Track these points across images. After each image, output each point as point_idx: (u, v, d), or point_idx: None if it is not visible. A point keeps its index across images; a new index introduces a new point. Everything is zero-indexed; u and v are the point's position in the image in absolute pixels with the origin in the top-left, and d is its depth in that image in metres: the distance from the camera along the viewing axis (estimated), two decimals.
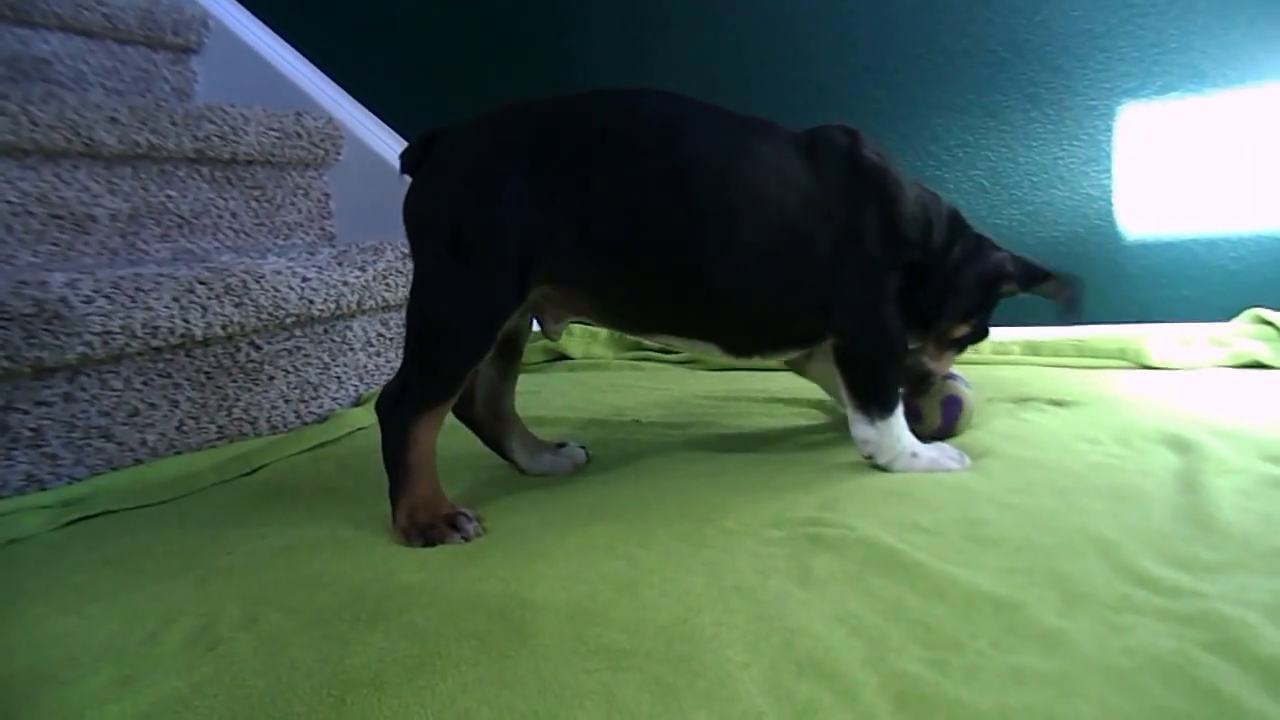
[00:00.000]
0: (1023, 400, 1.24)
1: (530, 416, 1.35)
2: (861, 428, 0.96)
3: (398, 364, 1.60)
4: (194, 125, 1.61)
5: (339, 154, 1.94)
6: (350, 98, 1.97)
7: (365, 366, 1.54)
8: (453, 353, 0.88)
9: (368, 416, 1.40)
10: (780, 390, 1.38)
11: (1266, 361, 1.32)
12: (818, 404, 1.28)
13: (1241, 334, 1.37)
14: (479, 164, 0.89)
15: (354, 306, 1.46)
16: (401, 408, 0.89)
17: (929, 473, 0.94)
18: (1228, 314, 1.42)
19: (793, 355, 1.05)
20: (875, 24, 1.60)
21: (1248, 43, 1.41)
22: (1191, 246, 1.43)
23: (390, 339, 1.60)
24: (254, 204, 1.80)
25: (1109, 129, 1.46)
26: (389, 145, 1.94)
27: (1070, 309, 1.00)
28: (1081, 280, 1.00)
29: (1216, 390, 1.24)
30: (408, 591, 0.74)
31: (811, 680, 0.56)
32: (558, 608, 0.69)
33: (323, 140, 1.90)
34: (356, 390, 1.51)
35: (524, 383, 1.60)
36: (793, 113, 1.44)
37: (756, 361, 1.02)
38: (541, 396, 1.52)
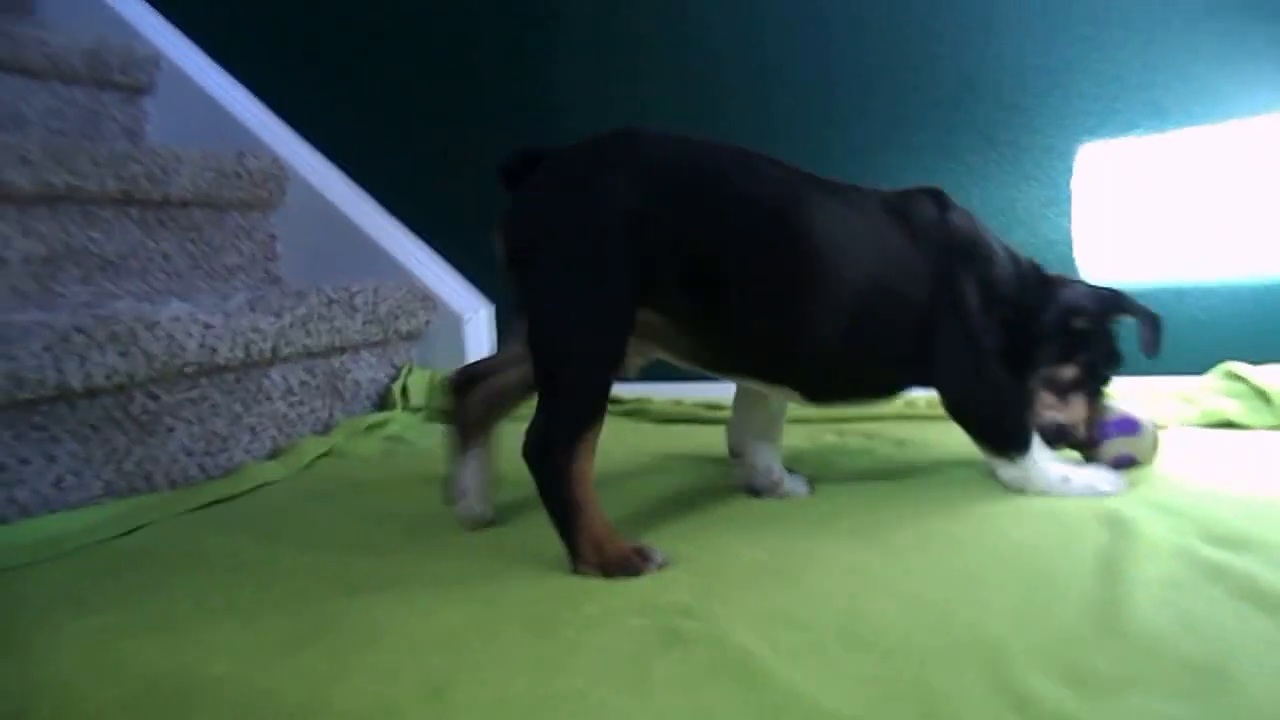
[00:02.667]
0: (960, 463, 1.13)
1: (431, 472, 1.28)
2: (1006, 471, 1.01)
3: (322, 413, 1.55)
4: (118, 166, 1.56)
5: (285, 195, 1.89)
6: (300, 138, 1.92)
7: (285, 416, 1.47)
8: (591, 373, 0.86)
9: (280, 470, 1.33)
10: (711, 439, 1.29)
11: (1238, 420, 1.22)
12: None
13: (1212, 390, 1.26)
14: (597, 186, 0.89)
15: (268, 355, 1.39)
16: (555, 444, 0.84)
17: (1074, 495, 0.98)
18: (1199, 368, 1.31)
19: (870, 403, 1.11)
20: (824, 62, 1.53)
21: (1212, 78, 1.32)
22: (1158, 295, 1.32)
23: (315, 387, 1.53)
24: (190, 246, 1.75)
25: (1068, 169, 1.37)
26: (338, 187, 1.88)
27: (1143, 347, 1.01)
28: (1159, 318, 1.00)
29: (1179, 452, 1.13)
30: (205, 686, 0.66)
31: None
32: (353, 716, 0.60)
33: (266, 181, 1.84)
34: (273, 442, 1.44)
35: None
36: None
37: (832, 407, 1.10)
38: None
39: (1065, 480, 0.99)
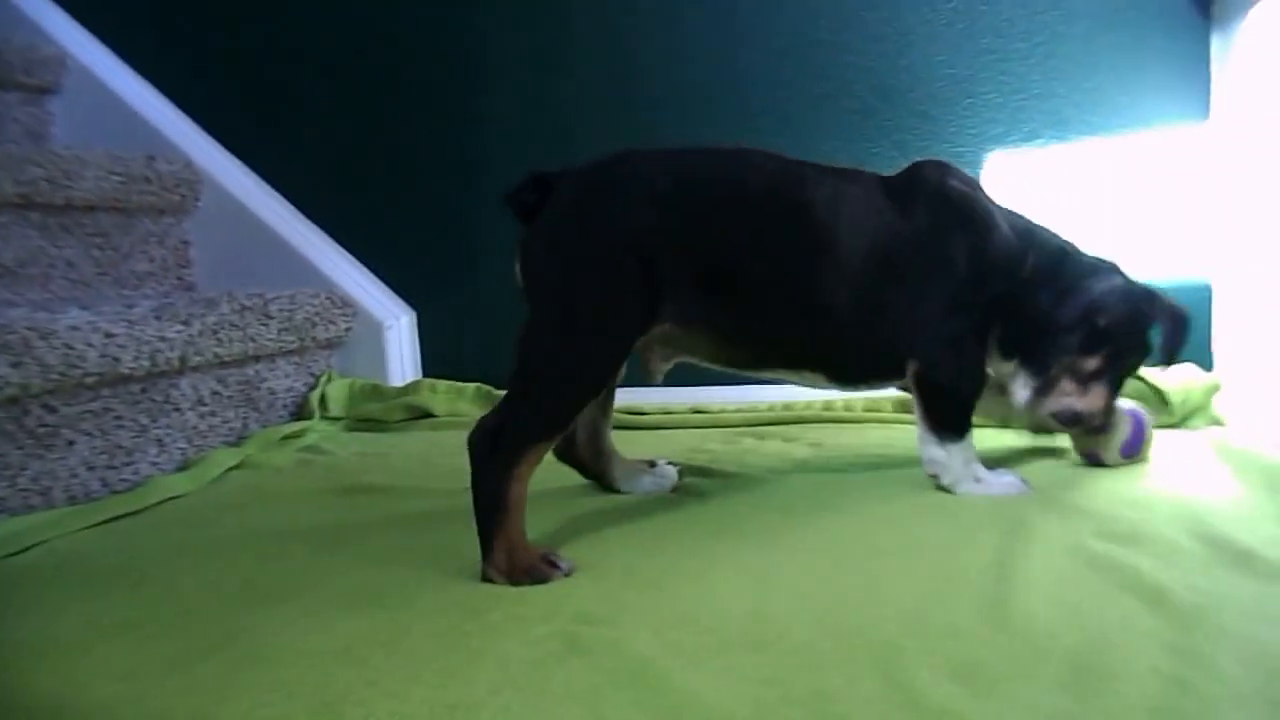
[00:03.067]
0: (877, 467, 1.15)
1: (358, 483, 1.25)
2: (931, 449, 1.01)
3: (235, 424, 1.51)
4: (16, 169, 1.50)
5: (198, 200, 1.83)
6: (215, 142, 1.86)
7: (196, 428, 1.42)
8: (571, 391, 0.89)
9: (188, 483, 1.28)
10: (632, 441, 1.29)
11: None
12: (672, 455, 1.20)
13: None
14: (611, 210, 0.92)
15: (176, 364, 1.35)
16: (505, 444, 0.86)
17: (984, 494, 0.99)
18: None
19: (896, 383, 1.07)
20: (744, 79, 1.55)
21: (1110, 89, 1.37)
22: None
23: (228, 397, 1.49)
24: (96, 253, 1.69)
25: (976, 176, 1.41)
26: (255, 193, 1.83)
27: (1162, 356, 1.01)
28: (1184, 326, 0.99)
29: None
30: (90, 710, 0.63)
31: None
32: None
33: (178, 186, 1.79)
34: (183, 454, 1.39)
35: (375, 443, 1.52)
36: None
37: (863, 389, 1.09)
38: (385, 459, 1.41)
39: (977, 480, 1.00)
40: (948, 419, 1.00)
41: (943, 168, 1.04)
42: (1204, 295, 1.37)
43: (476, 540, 0.85)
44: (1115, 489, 1.00)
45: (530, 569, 0.83)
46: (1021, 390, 1.04)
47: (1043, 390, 1.02)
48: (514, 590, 0.81)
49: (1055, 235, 1.06)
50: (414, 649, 0.70)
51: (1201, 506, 0.92)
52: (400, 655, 0.69)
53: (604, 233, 0.90)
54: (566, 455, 1.08)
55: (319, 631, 0.74)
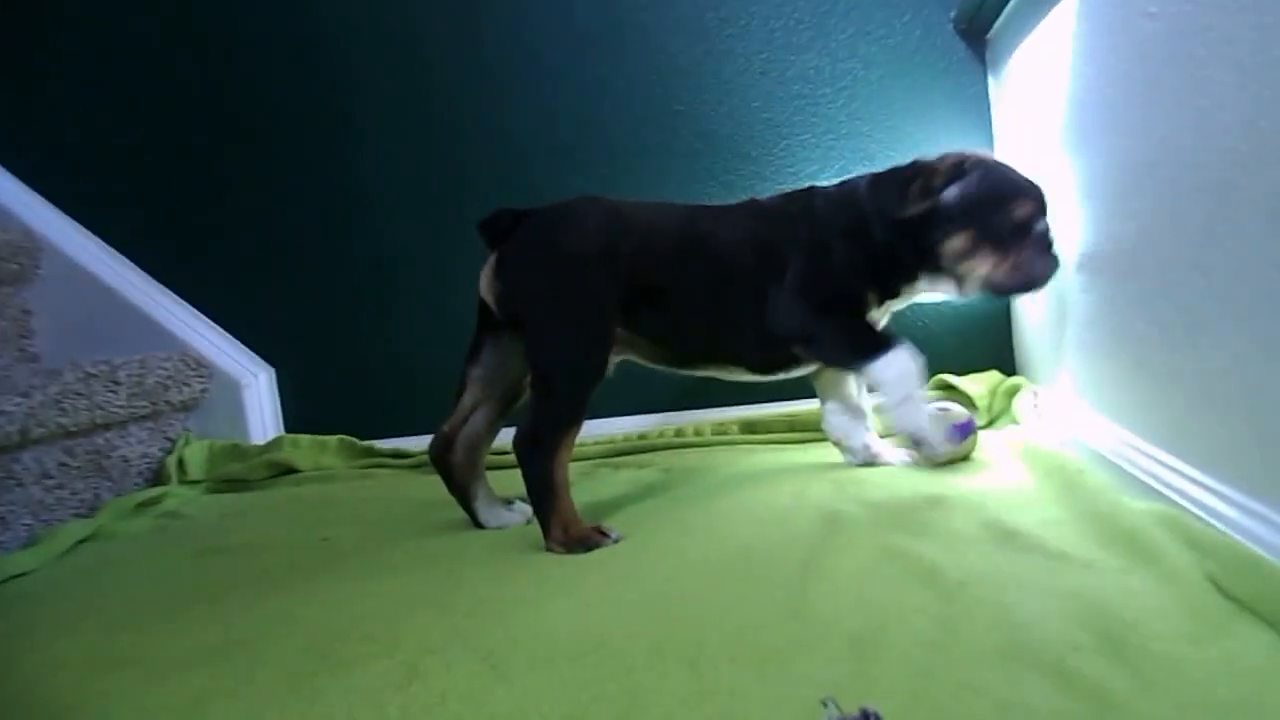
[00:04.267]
0: (721, 485, 1.24)
1: (213, 544, 1.25)
2: (870, 373, 1.11)
3: (86, 495, 1.47)
4: None
5: (38, 268, 1.79)
6: (54, 209, 1.82)
7: (42, 502, 1.39)
8: (580, 385, 1.08)
9: (34, 559, 1.25)
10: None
11: None
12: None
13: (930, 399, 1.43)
14: (577, 242, 1.11)
15: (16, 437, 1.32)
16: (544, 437, 1.05)
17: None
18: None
19: (807, 370, 1.23)
20: (582, 121, 1.63)
21: (907, 126, 1.52)
22: None
23: (76, 468, 1.46)
24: None
25: None
26: (99, 258, 1.80)
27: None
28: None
29: (895, 455, 1.28)
30: None
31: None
32: None
33: (16, 254, 1.75)
34: (28, 529, 1.36)
35: (236, 503, 1.51)
36: (507, 204, 1.45)
37: (780, 375, 1.22)
38: (245, 518, 1.41)
39: (908, 399, 1.09)
40: (848, 349, 1.13)
41: (812, 190, 1.23)
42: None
43: (325, 587, 0.88)
44: (920, 489, 1.11)
45: (584, 538, 1.01)
46: (974, 282, 1.13)
47: (996, 267, 1.11)
48: (360, 630, 0.84)
49: (822, 188, 1.22)
50: (259, 694, 0.72)
51: (991, 498, 1.03)
52: (245, 701, 0.71)
53: (573, 252, 1.10)
54: (440, 461, 1.17)
55: (166, 691, 0.75)
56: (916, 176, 1.11)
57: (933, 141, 1.52)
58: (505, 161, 1.66)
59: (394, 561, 1.06)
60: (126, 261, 1.80)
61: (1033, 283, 1.10)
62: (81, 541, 1.34)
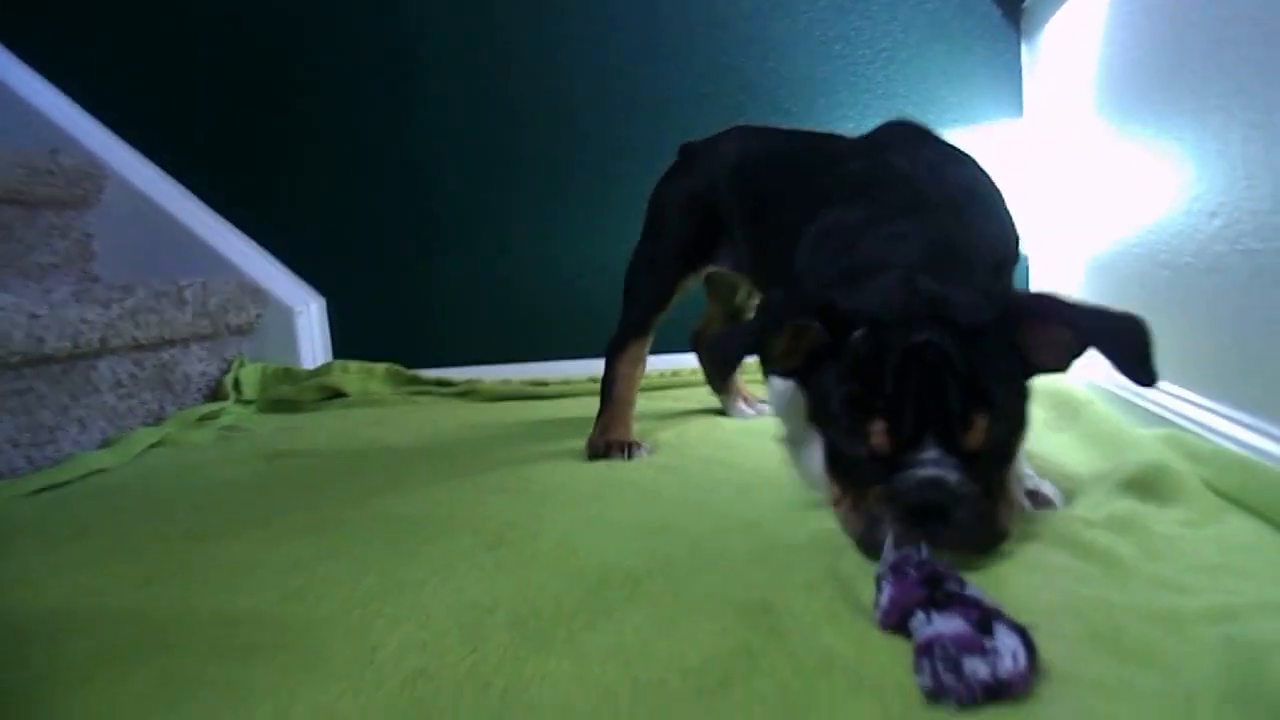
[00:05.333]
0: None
1: (281, 449, 1.35)
2: None
3: (152, 405, 1.57)
4: None
5: (101, 193, 1.87)
6: (117, 137, 1.90)
7: (114, 408, 1.48)
8: (636, 304, 1.21)
9: (111, 458, 1.35)
10: (536, 411, 1.43)
11: None
12: (571, 421, 1.34)
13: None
14: (690, 172, 1.20)
15: (96, 345, 1.41)
16: (611, 346, 1.21)
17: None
18: None
19: None
20: (631, 70, 1.71)
21: (941, 89, 1.60)
22: None
23: (145, 379, 1.55)
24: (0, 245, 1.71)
25: None
26: (160, 185, 1.88)
27: None
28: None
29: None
30: (84, 621, 0.73)
31: (427, 655, 0.59)
32: (218, 618, 0.69)
33: (81, 179, 1.83)
34: (103, 433, 1.45)
35: (290, 421, 1.61)
36: (556, 147, 1.54)
37: None
38: (302, 432, 1.50)
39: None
40: None
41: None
42: (1023, 268, 1.61)
43: (399, 481, 0.98)
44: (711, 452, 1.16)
45: (619, 445, 1.12)
46: None
47: None
48: (442, 512, 0.93)
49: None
50: (359, 557, 0.82)
51: None
52: (347, 561, 0.81)
53: (679, 189, 1.20)
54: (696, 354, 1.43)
55: (269, 552, 0.85)
56: (765, 329, 0.74)
57: (963, 106, 1.59)
58: (556, 105, 1.74)
59: (458, 466, 1.16)
60: (186, 191, 1.89)
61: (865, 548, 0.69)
62: (152, 446, 1.44)
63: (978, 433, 0.64)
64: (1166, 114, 1.01)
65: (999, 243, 0.85)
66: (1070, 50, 1.36)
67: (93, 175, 1.85)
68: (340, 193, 1.85)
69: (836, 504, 0.72)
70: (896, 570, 0.58)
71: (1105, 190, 1.23)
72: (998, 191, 0.90)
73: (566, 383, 1.69)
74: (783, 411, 0.85)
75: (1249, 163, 0.82)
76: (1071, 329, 0.66)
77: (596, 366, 1.68)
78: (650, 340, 1.21)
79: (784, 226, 0.92)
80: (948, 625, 0.49)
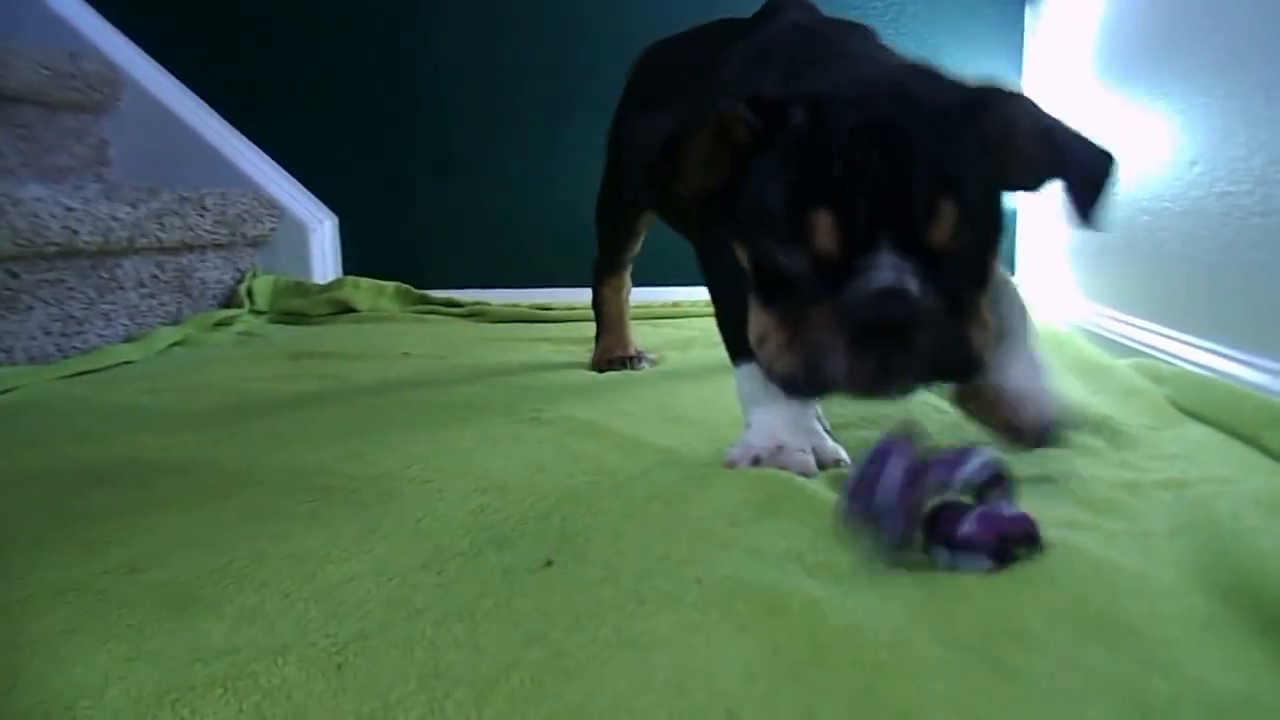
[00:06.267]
0: None
1: (303, 350, 1.42)
2: None
3: (171, 307, 1.62)
4: None
5: (119, 99, 1.90)
6: (136, 47, 1.92)
7: (137, 307, 1.54)
8: (602, 243, 1.23)
9: (137, 352, 1.41)
10: (544, 332, 1.51)
11: None
12: (579, 340, 1.41)
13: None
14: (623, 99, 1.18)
15: (124, 243, 1.46)
16: (594, 274, 1.24)
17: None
18: None
19: None
20: (644, 16, 1.76)
21: (948, 47, 1.67)
22: None
23: (165, 281, 1.60)
24: (20, 144, 1.74)
25: None
26: (177, 96, 1.91)
27: None
28: None
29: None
30: (161, 467, 0.80)
31: (489, 495, 0.67)
32: (287, 469, 0.77)
33: (101, 84, 1.85)
34: (126, 329, 1.51)
35: (303, 331, 1.67)
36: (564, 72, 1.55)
37: None
38: (320, 339, 1.57)
39: None
40: None
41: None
42: (1010, 218, 1.70)
43: (423, 379, 1.09)
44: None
45: (621, 360, 1.19)
46: None
47: None
48: (473, 402, 1.01)
49: None
50: (403, 424, 0.90)
51: None
52: (394, 431, 0.89)
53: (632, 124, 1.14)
54: None
55: (316, 425, 0.93)
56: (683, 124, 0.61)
57: (968, 64, 1.66)
58: (563, 31, 1.79)
59: (479, 369, 1.23)
60: (203, 103, 1.92)
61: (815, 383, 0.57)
62: (173, 344, 1.50)
63: (944, 224, 0.52)
64: (1159, 72, 1.09)
65: None
66: (1072, 11, 1.43)
67: (111, 81, 1.88)
68: (355, 116, 1.89)
69: (762, 342, 0.58)
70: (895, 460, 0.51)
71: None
72: None
73: (571, 308, 1.75)
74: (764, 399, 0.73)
75: (1229, 116, 0.91)
76: (1046, 141, 0.58)
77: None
78: (627, 271, 1.24)
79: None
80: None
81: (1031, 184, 0.59)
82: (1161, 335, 1.02)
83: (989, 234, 0.57)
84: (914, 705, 0.39)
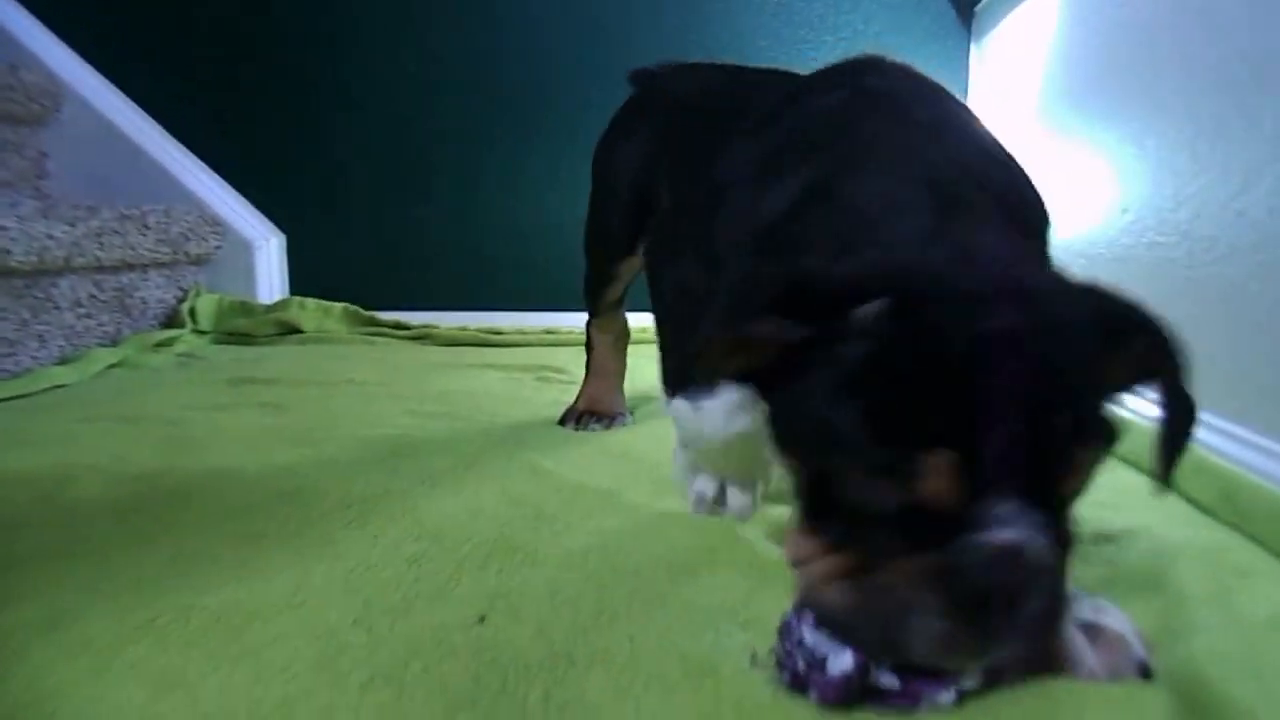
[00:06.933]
0: None
1: (244, 376, 1.39)
2: None
3: (109, 327, 1.59)
4: None
5: (59, 112, 1.85)
6: (78, 57, 1.88)
7: (73, 327, 1.50)
8: (588, 281, 1.07)
9: (72, 375, 1.37)
10: (493, 358, 1.50)
11: None
12: (527, 367, 1.41)
13: None
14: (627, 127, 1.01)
15: (61, 262, 1.42)
16: (589, 319, 1.10)
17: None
18: None
19: None
20: (596, 32, 1.77)
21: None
22: None
23: (104, 301, 1.56)
24: None
25: None
26: (117, 106, 1.87)
27: None
28: None
29: None
30: (88, 506, 0.78)
31: (425, 542, 0.67)
32: (220, 510, 0.76)
33: (41, 96, 1.81)
34: (61, 350, 1.47)
35: (246, 353, 1.64)
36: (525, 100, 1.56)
37: None
38: (262, 363, 1.54)
39: None
40: None
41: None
42: None
43: (369, 403, 1.05)
44: None
45: (596, 414, 1.05)
46: None
47: None
48: (415, 438, 1.00)
49: None
50: (342, 466, 0.89)
51: None
52: (331, 470, 0.87)
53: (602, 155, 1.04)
54: None
55: (251, 460, 0.91)
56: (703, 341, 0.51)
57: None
58: (528, 58, 1.80)
59: (424, 398, 1.22)
60: (147, 117, 1.88)
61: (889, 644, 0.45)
62: (110, 366, 1.47)
63: (1080, 474, 0.43)
64: (1096, 118, 1.13)
65: (1036, 203, 0.61)
66: (1014, 55, 1.47)
67: (52, 93, 1.83)
68: (306, 131, 1.87)
69: (804, 564, 0.47)
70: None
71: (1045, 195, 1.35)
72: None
73: (521, 332, 1.75)
74: (703, 439, 0.67)
75: (1159, 167, 0.94)
76: (1159, 350, 0.46)
77: (552, 319, 1.77)
78: (618, 313, 1.10)
79: (718, 200, 0.65)
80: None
81: (1126, 387, 0.48)
82: None
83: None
84: None
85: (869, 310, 0.42)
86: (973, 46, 1.70)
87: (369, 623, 0.54)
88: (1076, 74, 1.20)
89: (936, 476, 0.40)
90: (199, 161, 1.88)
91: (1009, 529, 0.40)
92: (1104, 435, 0.42)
